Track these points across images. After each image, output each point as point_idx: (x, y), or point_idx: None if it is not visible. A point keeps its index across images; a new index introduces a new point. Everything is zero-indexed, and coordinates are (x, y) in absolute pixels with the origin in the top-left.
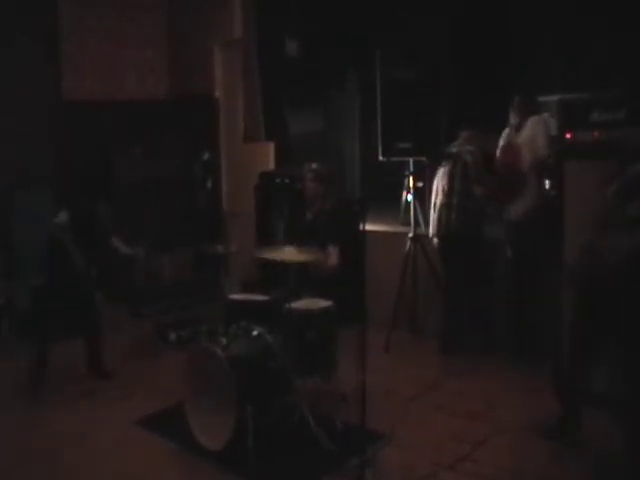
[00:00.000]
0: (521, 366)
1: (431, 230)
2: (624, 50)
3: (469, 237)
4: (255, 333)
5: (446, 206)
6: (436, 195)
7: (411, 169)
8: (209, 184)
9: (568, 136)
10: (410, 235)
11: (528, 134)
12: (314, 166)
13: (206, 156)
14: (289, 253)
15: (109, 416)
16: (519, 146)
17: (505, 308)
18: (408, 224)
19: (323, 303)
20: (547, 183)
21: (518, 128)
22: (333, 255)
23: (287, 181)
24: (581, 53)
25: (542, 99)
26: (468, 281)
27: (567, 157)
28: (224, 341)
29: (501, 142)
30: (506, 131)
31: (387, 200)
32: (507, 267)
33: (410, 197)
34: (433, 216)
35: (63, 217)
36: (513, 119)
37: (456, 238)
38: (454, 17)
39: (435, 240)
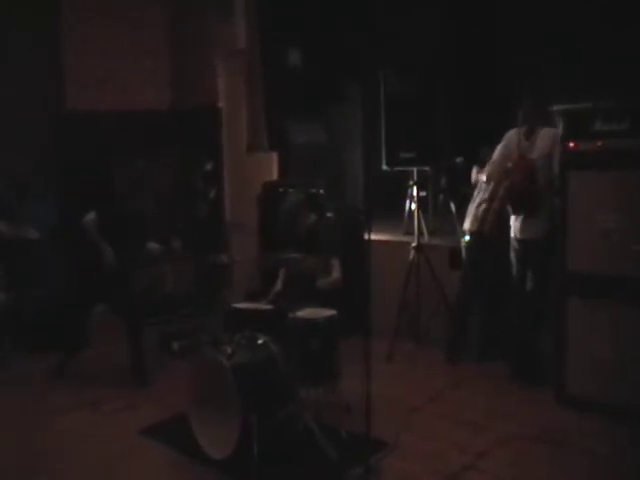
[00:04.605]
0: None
1: (466, 224)
2: (628, 59)
3: (499, 241)
4: (259, 342)
5: (486, 207)
6: (478, 192)
7: (415, 179)
8: (212, 194)
9: (572, 145)
10: (413, 244)
11: (545, 151)
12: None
13: (209, 166)
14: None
15: (113, 425)
16: (534, 162)
17: (508, 323)
18: (411, 233)
19: (327, 312)
20: None
21: (528, 136)
22: (336, 268)
23: (290, 191)
24: (586, 62)
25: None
26: (485, 285)
27: (570, 167)
28: (229, 350)
29: (503, 143)
30: (510, 134)
31: (390, 209)
32: (512, 285)
33: (414, 206)
34: (471, 210)
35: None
36: (522, 125)
37: (487, 239)
38: (456, 28)
39: (467, 237)
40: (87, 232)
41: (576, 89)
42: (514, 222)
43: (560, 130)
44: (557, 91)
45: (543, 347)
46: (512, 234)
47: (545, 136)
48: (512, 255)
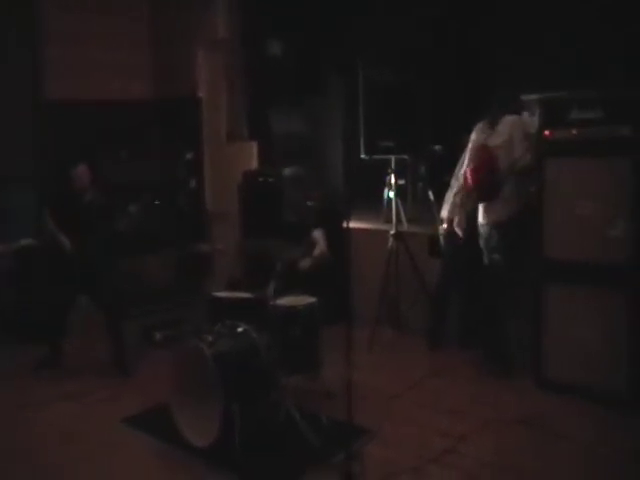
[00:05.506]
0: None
1: (444, 212)
2: (604, 49)
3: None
4: (240, 330)
5: (466, 195)
6: (456, 180)
7: (393, 167)
8: (192, 184)
9: (547, 133)
10: (392, 232)
11: (505, 138)
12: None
13: (189, 156)
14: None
15: (96, 416)
16: (493, 149)
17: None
18: (391, 222)
19: (307, 300)
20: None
21: (492, 125)
22: (320, 240)
23: (270, 180)
24: (561, 52)
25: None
26: (464, 273)
27: (546, 154)
28: (210, 339)
29: (473, 136)
30: (479, 126)
31: (370, 198)
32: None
33: (392, 194)
34: (449, 198)
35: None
36: (487, 118)
37: (467, 228)
38: (435, 18)
39: (445, 225)
40: (45, 224)
41: (552, 79)
42: (480, 208)
43: (525, 117)
44: (532, 81)
45: (515, 333)
46: (479, 219)
47: (505, 123)
48: (480, 241)
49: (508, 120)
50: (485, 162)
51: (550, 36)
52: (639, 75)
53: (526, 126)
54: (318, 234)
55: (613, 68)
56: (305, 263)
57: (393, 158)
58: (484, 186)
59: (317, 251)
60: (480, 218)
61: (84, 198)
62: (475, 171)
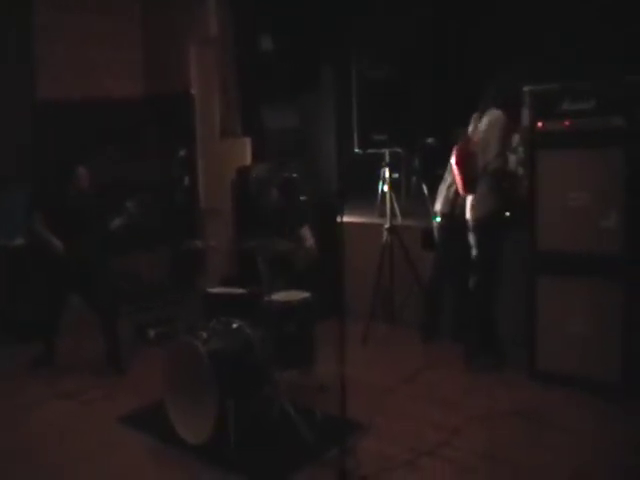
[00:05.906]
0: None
1: (437, 205)
2: (595, 40)
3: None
4: (235, 326)
5: (457, 189)
6: (449, 173)
7: (387, 160)
8: (186, 181)
9: (539, 125)
10: (386, 226)
11: (482, 136)
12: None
13: (182, 153)
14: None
15: (91, 415)
16: (472, 146)
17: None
18: (384, 215)
19: (302, 295)
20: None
21: (480, 117)
22: (307, 236)
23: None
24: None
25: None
26: (457, 266)
27: (539, 146)
28: (204, 335)
29: (470, 129)
30: (474, 116)
31: (365, 192)
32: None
33: (386, 188)
34: (442, 191)
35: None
36: (481, 104)
37: (458, 221)
38: (430, 10)
39: (438, 219)
40: (33, 228)
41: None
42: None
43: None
44: (525, 73)
45: (508, 329)
46: (466, 214)
47: (487, 119)
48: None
49: (490, 116)
50: (463, 156)
51: (549, 36)
52: (633, 66)
53: (506, 125)
54: (305, 231)
55: (613, 69)
56: (299, 263)
57: (387, 152)
58: (461, 179)
59: (306, 249)
60: (467, 213)
61: (81, 197)
62: (455, 163)
